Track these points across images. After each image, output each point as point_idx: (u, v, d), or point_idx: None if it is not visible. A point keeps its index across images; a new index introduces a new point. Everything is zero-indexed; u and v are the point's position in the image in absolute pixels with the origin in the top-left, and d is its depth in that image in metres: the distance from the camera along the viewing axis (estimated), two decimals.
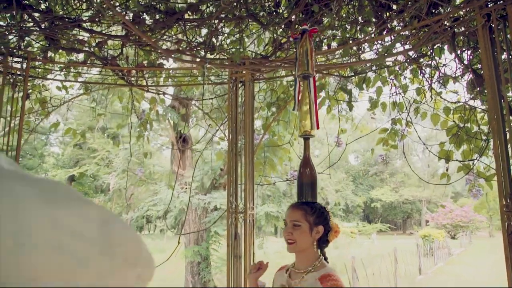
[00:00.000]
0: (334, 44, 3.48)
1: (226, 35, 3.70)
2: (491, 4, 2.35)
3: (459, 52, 2.88)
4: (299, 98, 2.04)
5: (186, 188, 7.48)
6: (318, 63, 3.51)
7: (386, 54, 3.18)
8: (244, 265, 3.22)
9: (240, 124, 3.42)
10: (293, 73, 2.60)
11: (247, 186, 3.24)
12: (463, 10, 2.71)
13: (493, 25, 2.31)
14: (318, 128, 2.02)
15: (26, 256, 0.30)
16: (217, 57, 3.70)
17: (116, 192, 8.41)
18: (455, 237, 24.46)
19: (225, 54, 3.69)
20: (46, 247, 0.31)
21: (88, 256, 0.33)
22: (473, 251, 17.14)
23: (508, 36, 2.32)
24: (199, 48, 3.65)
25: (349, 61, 3.31)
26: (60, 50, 3.59)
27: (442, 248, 14.77)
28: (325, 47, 3.53)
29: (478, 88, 2.84)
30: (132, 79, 3.70)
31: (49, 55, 3.59)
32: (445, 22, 2.77)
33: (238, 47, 3.64)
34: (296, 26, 3.53)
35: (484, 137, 2.83)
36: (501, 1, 2.28)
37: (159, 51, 3.15)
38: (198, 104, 3.93)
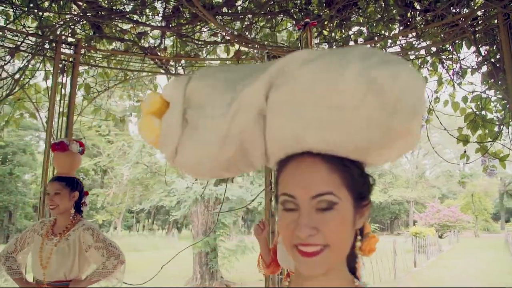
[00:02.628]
0: (360, 39, 3.81)
1: (259, 28, 3.99)
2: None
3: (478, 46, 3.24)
4: None
5: (197, 179, 7.73)
6: None
7: (410, 49, 3.52)
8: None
9: None
10: None
11: None
12: (482, 10, 3.06)
13: None
14: None
15: None
16: (250, 49, 3.99)
17: (132, 182, 8.58)
18: (443, 236, 25.13)
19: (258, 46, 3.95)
20: None
21: None
22: (461, 248, 17.75)
23: None
24: (235, 40, 3.94)
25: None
26: (103, 39, 3.83)
27: (433, 244, 15.35)
28: (352, 43, 3.86)
29: (493, 80, 3.20)
30: (171, 68, 3.96)
31: (92, 43, 3.82)
32: (467, 21, 3.12)
33: (270, 40, 3.93)
34: (326, 22, 3.86)
35: (497, 123, 3.18)
36: None
37: (227, 36, 3.39)
38: None
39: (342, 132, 0.55)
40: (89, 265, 2.08)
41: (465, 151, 3.29)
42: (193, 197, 7.15)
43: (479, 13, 3.15)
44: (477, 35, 3.17)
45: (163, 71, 4.08)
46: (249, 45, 3.47)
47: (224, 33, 3.85)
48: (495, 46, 3.10)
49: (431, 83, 3.56)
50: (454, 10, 3.24)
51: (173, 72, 3.99)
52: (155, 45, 3.94)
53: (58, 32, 3.46)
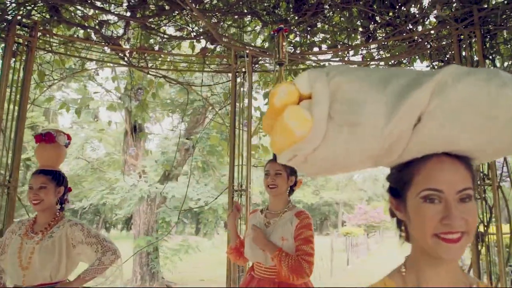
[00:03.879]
0: (324, 46, 3.98)
1: (227, 26, 3.99)
2: (464, 27, 3.02)
3: (429, 62, 3.57)
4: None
5: (143, 177, 7.46)
6: (310, 61, 3.98)
7: (370, 60, 3.77)
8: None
9: (241, 110, 3.73)
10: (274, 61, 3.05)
11: (248, 167, 3.57)
12: (437, 29, 3.38)
13: (463, 41, 2.98)
14: None
15: None
16: (217, 48, 3.99)
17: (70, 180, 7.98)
18: (369, 236, 26.89)
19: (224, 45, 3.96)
20: None
21: None
22: (386, 247, 19.16)
23: (476, 48, 3.00)
24: (201, 38, 3.91)
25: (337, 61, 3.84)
26: (61, 24, 3.58)
27: (363, 244, 16.41)
28: (316, 48, 4.02)
29: None
30: (133, 60, 3.81)
31: (48, 28, 3.55)
32: (422, 37, 3.43)
33: (237, 38, 3.96)
34: (293, 27, 3.98)
35: None
36: (472, 25, 2.95)
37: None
38: (198, 90, 4.15)
39: (490, 137, 0.66)
40: (77, 265, 1.94)
41: None
42: (139, 195, 6.89)
43: (432, 32, 3.48)
44: (431, 51, 3.49)
45: (124, 63, 3.91)
46: (230, 44, 3.46)
47: (209, 31, 3.80)
48: (446, 61, 3.44)
49: None
50: (412, 27, 3.54)
51: (136, 65, 3.84)
52: (118, 35, 3.77)
53: (12, 12, 3.17)
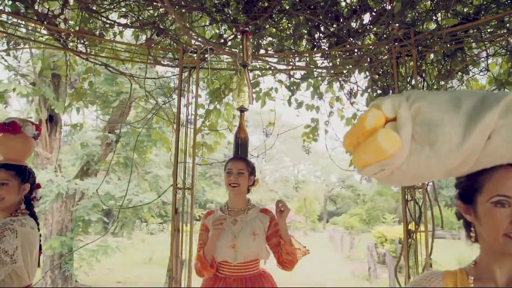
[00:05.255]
0: (270, 50, 4.08)
1: (173, 19, 3.87)
2: (402, 46, 3.35)
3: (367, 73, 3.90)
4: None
5: (60, 172, 6.80)
6: (258, 64, 4.05)
7: (314, 67, 3.97)
8: (188, 237, 3.43)
9: (187, 106, 3.65)
10: (238, 62, 3.10)
11: (194, 165, 3.51)
12: (378, 45, 3.69)
13: (400, 58, 3.32)
14: (251, 104, 2.76)
15: None
16: (164, 40, 3.84)
17: None
18: None
19: (172, 38, 3.85)
20: None
21: None
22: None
23: (411, 65, 3.36)
24: (147, 28, 3.73)
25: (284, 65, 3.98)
26: None
27: None
28: (262, 51, 4.10)
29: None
30: (71, 44, 3.49)
31: None
32: (362, 51, 3.72)
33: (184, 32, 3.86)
34: (240, 27, 4.01)
35: None
36: (409, 45, 3.29)
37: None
38: (140, 82, 3.93)
39: None
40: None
41: (351, 160, 3.88)
42: (56, 192, 6.27)
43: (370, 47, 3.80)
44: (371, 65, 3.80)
45: (59, 45, 3.55)
46: (197, 39, 3.36)
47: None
48: (382, 74, 3.78)
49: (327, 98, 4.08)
50: (354, 40, 3.81)
51: (74, 49, 3.52)
52: (54, 13, 3.41)
53: None
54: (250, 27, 3.90)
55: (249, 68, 2.93)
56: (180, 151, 3.50)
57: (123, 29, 3.76)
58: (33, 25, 3.40)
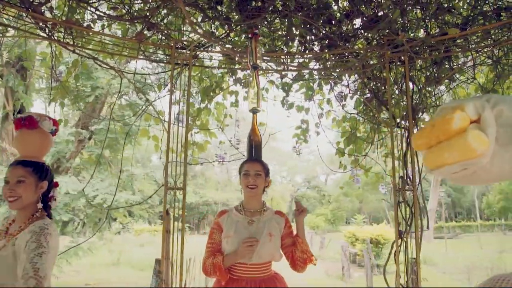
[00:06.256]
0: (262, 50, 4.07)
1: (164, 14, 3.77)
2: (394, 52, 3.44)
3: (356, 76, 3.97)
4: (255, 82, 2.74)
5: None
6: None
7: (305, 68, 4.00)
8: (179, 238, 3.35)
9: (178, 104, 3.57)
10: (249, 64, 3.07)
11: (185, 165, 3.43)
12: (371, 49, 3.77)
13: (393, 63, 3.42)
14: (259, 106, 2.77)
15: None
16: (155, 34, 3.73)
17: None
18: None
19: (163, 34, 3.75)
20: None
21: None
22: None
23: (400, 69, 3.46)
24: (138, 21, 3.61)
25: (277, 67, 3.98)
26: None
27: None
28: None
29: (366, 105, 3.98)
30: (58, 34, 3.31)
31: None
32: (354, 55, 3.79)
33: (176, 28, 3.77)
34: (235, 26, 3.96)
35: (365, 141, 3.96)
36: (401, 51, 3.39)
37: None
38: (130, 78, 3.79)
39: None
40: None
41: (340, 162, 3.95)
42: None
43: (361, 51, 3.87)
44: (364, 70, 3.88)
45: (43, 35, 3.35)
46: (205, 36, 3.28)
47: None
48: (372, 78, 3.87)
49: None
50: (346, 44, 3.87)
51: (60, 40, 3.35)
52: (40, 1, 3.22)
53: None
54: (244, 27, 3.88)
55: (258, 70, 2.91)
56: (171, 151, 3.42)
57: (112, 22, 3.61)
58: (15, 11, 3.20)
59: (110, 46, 3.61)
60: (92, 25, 3.61)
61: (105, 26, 3.63)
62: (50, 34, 3.32)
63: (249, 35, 2.79)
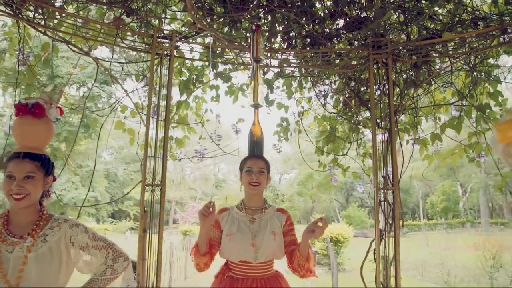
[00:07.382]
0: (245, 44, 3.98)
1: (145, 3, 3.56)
2: (377, 53, 3.49)
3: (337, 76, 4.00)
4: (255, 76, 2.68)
5: None
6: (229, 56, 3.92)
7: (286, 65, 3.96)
8: (157, 237, 3.18)
9: (158, 95, 3.39)
10: (251, 58, 2.99)
11: (164, 160, 3.27)
12: (355, 50, 3.80)
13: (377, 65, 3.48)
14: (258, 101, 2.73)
15: None
16: (133, 21, 3.51)
17: None
18: None
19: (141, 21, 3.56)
20: None
21: None
22: None
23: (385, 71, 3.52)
24: (117, 6, 3.38)
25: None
26: None
27: None
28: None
29: (346, 105, 4.02)
30: (28, 13, 3.01)
31: None
32: (338, 55, 3.81)
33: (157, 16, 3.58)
34: (216, 17, 3.84)
35: (344, 140, 4.00)
36: (386, 53, 3.44)
37: None
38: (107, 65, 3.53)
39: None
40: (71, 274, 1.42)
41: (319, 161, 3.96)
42: None
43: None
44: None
45: (10, 12, 3.03)
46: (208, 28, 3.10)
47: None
48: (353, 78, 3.92)
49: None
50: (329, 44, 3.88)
51: (29, 20, 3.05)
52: None
53: None
54: (227, 19, 3.77)
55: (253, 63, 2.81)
56: (149, 146, 3.24)
57: (89, 4, 3.35)
58: None
59: (85, 30, 3.35)
60: (65, 6, 3.34)
61: (80, 9, 3.36)
62: (17, 11, 3.01)
63: (253, 27, 2.68)
